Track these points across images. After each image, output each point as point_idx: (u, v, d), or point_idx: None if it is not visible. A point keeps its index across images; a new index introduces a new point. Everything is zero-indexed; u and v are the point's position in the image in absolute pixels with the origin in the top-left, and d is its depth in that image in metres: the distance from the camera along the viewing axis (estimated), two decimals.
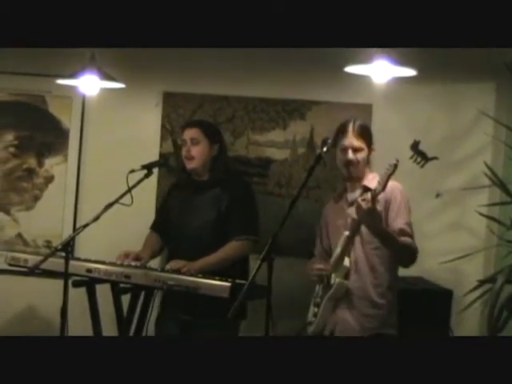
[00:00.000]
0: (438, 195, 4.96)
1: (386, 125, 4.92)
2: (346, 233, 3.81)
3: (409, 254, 3.79)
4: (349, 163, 3.86)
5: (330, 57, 4.28)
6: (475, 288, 4.34)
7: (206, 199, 4.31)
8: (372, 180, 3.81)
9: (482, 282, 4.36)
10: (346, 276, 3.80)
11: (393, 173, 3.57)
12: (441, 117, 4.99)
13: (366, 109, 4.89)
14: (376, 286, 3.82)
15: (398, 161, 3.58)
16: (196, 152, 4.31)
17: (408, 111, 4.98)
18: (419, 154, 4.97)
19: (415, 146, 4.97)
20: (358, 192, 3.87)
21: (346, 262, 3.79)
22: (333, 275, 3.82)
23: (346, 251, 3.79)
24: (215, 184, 4.31)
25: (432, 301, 4.54)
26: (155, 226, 4.56)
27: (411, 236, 3.80)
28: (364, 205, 3.59)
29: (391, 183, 3.80)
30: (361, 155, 3.87)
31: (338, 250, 3.83)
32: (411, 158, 4.95)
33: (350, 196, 3.93)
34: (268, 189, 5.03)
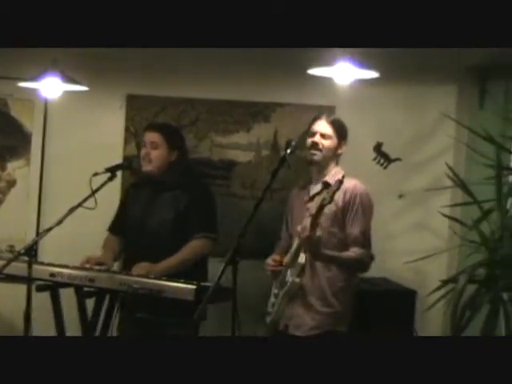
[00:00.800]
0: (400, 196, 4.99)
1: (349, 127, 4.92)
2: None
3: (358, 267, 3.93)
4: (312, 145, 3.91)
5: (293, 59, 4.30)
6: (438, 288, 4.37)
7: (164, 199, 4.34)
8: (334, 176, 3.84)
9: (444, 282, 4.39)
10: (301, 272, 3.82)
11: (338, 189, 3.61)
12: (403, 119, 5.03)
13: (330, 111, 4.88)
14: (330, 284, 3.87)
15: (343, 176, 3.65)
16: (154, 156, 4.33)
17: (371, 113, 5.01)
18: (382, 156, 5.03)
19: (378, 148, 5.03)
20: (319, 186, 3.91)
21: (301, 258, 3.81)
22: (289, 271, 3.85)
23: (301, 248, 3.81)
24: (174, 186, 4.33)
25: (396, 301, 4.57)
26: (113, 228, 4.54)
27: (365, 245, 3.86)
28: (302, 234, 3.67)
29: (354, 185, 3.87)
30: (327, 142, 3.92)
31: (294, 246, 3.85)
32: (374, 159, 5.02)
33: (312, 189, 3.97)
34: (232, 191, 5.03)
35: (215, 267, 3.37)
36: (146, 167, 4.36)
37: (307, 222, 3.68)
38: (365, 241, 3.86)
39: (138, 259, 4.17)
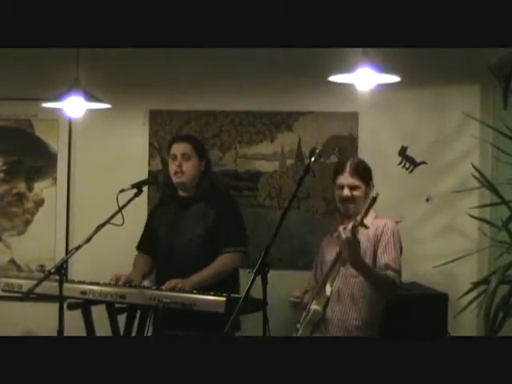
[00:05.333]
0: (428, 199, 4.97)
1: (373, 132, 4.94)
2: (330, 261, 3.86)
3: (387, 287, 3.82)
4: (345, 200, 3.91)
5: (313, 67, 4.30)
6: (470, 290, 4.34)
7: (191, 214, 4.33)
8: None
9: (476, 284, 4.36)
10: (326, 305, 3.83)
11: (371, 205, 3.60)
12: (427, 121, 5.00)
13: (353, 117, 4.90)
14: (355, 318, 3.86)
15: (377, 194, 3.61)
16: (187, 167, 4.33)
17: (394, 117, 4.99)
18: (407, 160, 5.02)
19: (403, 152, 5.02)
20: (350, 226, 3.88)
21: (327, 291, 3.83)
22: (313, 302, 3.86)
23: (327, 280, 3.83)
24: (200, 199, 4.33)
25: (427, 306, 4.53)
26: (142, 247, 4.55)
27: (396, 270, 3.82)
28: (343, 234, 3.63)
29: (385, 221, 3.88)
30: (357, 193, 3.91)
31: (321, 278, 3.88)
32: (400, 163, 5.00)
33: None
34: (259, 201, 5.03)
35: (245, 278, 3.35)
36: (179, 179, 4.35)
37: (348, 225, 3.64)
38: (397, 267, 3.82)
39: (169, 277, 4.16)
